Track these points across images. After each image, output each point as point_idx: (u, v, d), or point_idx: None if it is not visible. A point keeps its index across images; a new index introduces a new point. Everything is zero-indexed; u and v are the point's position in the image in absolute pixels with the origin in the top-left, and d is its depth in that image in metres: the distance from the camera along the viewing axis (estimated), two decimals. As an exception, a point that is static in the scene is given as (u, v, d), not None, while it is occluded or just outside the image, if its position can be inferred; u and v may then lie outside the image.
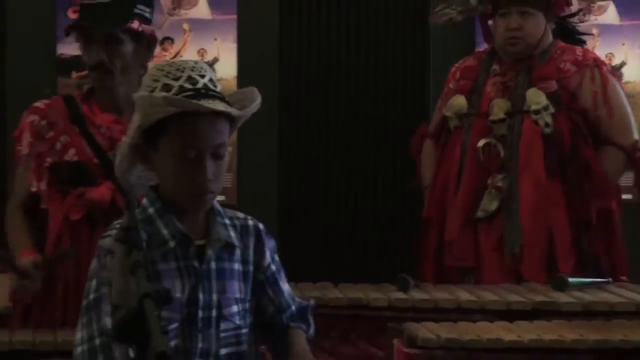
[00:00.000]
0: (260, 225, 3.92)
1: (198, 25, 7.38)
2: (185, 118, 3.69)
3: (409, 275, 5.52)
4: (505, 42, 6.07)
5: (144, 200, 3.86)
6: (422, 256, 6.10)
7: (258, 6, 7.43)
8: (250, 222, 3.91)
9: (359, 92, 7.10)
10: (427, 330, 4.80)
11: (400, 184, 6.83)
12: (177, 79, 3.72)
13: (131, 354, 3.39)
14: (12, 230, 5.06)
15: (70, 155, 4.91)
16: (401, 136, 6.65)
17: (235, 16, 7.37)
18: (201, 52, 7.34)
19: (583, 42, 6.41)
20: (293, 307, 3.93)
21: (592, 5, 6.60)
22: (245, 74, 7.34)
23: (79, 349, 3.66)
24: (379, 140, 7.31)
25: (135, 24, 4.87)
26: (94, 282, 3.75)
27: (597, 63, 6.21)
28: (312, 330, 3.97)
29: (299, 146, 7.38)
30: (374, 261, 6.60)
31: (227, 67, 7.33)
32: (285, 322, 3.91)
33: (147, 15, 4.95)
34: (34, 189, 5.00)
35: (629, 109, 6.16)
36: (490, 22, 6.27)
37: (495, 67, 6.14)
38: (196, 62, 3.79)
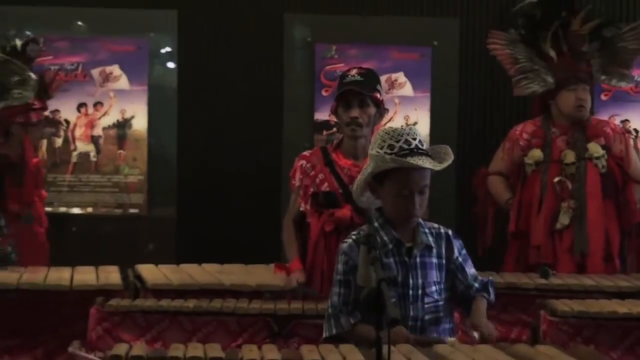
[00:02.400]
0: (450, 231, 3.99)
1: (405, 100, 7.34)
2: (403, 170, 3.78)
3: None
4: (575, 109, 5.88)
5: (372, 217, 3.94)
6: (508, 256, 6.01)
7: (444, 85, 7.37)
8: (442, 230, 3.98)
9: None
10: (564, 305, 4.75)
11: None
12: (398, 141, 3.81)
13: (351, 321, 3.81)
14: (287, 236, 5.09)
15: (325, 187, 4.93)
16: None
17: (429, 93, 7.32)
18: (406, 117, 7.31)
19: None
20: (476, 284, 3.96)
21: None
22: (434, 133, 7.31)
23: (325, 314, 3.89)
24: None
25: (377, 95, 4.92)
26: (334, 272, 3.91)
27: (622, 131, 6.23)
28: (492, 296, 4.01)
29: (470, 179, 7.29)
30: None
31: (422, 128, 7.28)
32: (472, 294, 3.95)
33: (381, 92, 5.00)
34: (302, 209, 5.03)
35: (638, 159, 6.08)
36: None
37: (554, 130, 5.98)
38: (410, 129, 3.91)
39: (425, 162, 3.79)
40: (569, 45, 6.01)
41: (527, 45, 6.12)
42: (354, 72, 5.04)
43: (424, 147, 3.86)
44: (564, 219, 5.80)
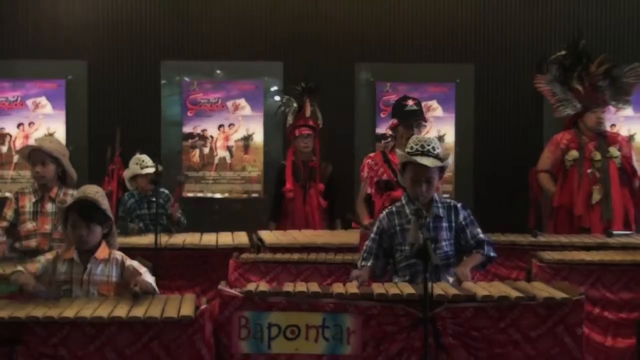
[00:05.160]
0: (459, 204, 3.94)
1: (437, 119, 7.25)
2: (413, 163, 3.79)
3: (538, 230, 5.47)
4: (596, 124, 5.89)
5: (403, 196, 3.95)
6: (556, 223, 5.90)
7: (464, 109, 7.27)
8: (452, 203, 3.94)
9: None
10: (548, 255, 4.72)
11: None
12: (416, 144, 3.83)
13: (363, 263, 3.85)
14: (360, 210, 5.11)
15: (384, 177, 4.94)
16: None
17: (454, 114, 7.27)
18: (438, 131, 7.20)
19: None
20: (473, 242, 3.89)
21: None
22: (458, 141, 7.25)
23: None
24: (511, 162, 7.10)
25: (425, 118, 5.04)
26: (373, 229, 3.95)
27: (628, 140, 6.20)
28: (487, 250, 3.91)
29: (484, 174, 7.21)
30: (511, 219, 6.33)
31: (449, 138, 7.22)
32: (471, 249, 3.90)
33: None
34: (368, 192, 5.05)
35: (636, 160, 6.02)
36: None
37: (584, 137, 5.91)
38: (430, 138, 3.90)
39: (425, 161, 3.78)
40: (590, 81, 6.02)
41: (560, 82, 6.11)
42: (410, 102, 5.02)
43: (436, 152, 3.84)
44: (596, 197, 5.79)
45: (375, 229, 3.95)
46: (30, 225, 4.78)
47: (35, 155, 4.78)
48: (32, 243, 4.74)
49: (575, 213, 5.79)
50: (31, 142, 6.21)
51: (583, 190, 5.81)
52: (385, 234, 3.91)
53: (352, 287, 3.56)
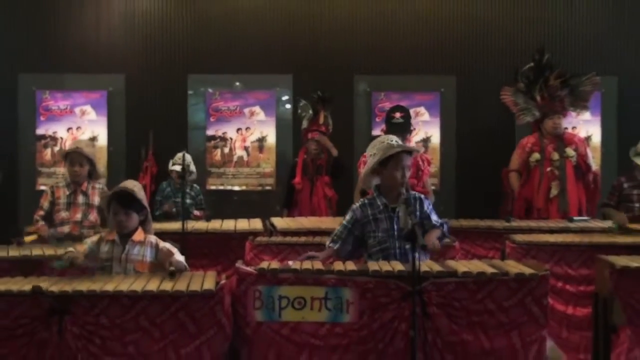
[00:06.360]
0: (422, 196, 3.87)
1: (425, 123, 7.21)
2: (398, 155, 3.71)
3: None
4: (552, 129, 5.88)
5: (374, 190, 3.86)
6: (517, 214, 5.85)
7: (447, 114, 7.23)
8: (417, 195, 3.85)
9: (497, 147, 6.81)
10: (519, 237, 4.69)
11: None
12: (391, 141, 3.77)
13: (330, 245, 3.73)
14: (357, 201, 4.99)
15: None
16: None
17: (439, 119, 7.21)
18: (425, 133, 7.17)
19: None
20: (436, 224, 3.81)
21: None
22: (443, 142, 7.17)
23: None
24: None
25: (411, 129, 5.03)
26: (346, 218, 3.84)
27: (584, 140, 6.12)
28: (444, 229, 3.85)
29: (465, 170, 7.16)
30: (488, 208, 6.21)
31: (435, 140, 7.18)
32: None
33: (412, 123, 5.13)
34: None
35: (592, 157, 5.98)
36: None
37: (545, 140, 5.90)
38: (391, 136, 3.84)
39: (409, 149, 3.82)
40: (548, 92, 6.01)
41: (524, 93, 6.13)
42: (397, 115, 4.94)
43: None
44: (554, 191, 5.77)
45: (348, 217, 3.87)
46: (64, 215, 4.88)
47: (74, 156, 4.90)
48: (65, 229, 4.85)
49: (535, 206, 5.79)
50: (78, 144, 6.24)
51: (543, 187, 5.81)
52: (358, 223, 3.83)
53: (351, 265, 3.55)
